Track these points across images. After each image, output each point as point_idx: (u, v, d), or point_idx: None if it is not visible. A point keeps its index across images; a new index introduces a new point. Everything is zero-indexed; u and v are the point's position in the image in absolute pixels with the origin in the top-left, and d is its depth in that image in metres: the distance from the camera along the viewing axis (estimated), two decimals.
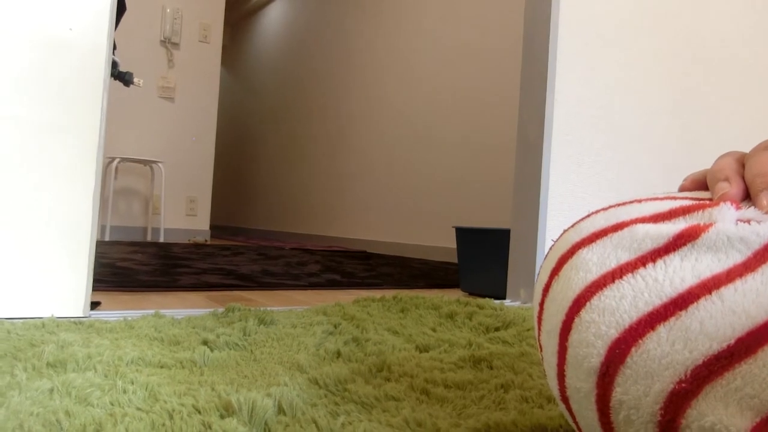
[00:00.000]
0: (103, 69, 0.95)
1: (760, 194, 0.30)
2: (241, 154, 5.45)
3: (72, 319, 0.85)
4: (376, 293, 1.22)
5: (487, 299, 1.15)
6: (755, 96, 1.76)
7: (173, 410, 0.46)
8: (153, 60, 3.58)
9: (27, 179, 0.88)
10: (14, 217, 0.88)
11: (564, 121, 1.39)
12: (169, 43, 3.63)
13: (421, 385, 0.56)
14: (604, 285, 0.31)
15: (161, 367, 0.61)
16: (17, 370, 0.56)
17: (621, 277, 0.30)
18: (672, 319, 0.28)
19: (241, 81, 5.65)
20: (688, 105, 1.62)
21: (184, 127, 3.69)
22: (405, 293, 1.15)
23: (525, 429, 0.45)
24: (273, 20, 5.11)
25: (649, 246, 0.30)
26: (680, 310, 0.28)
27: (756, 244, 0.28)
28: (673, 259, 0.29)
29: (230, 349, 0.70)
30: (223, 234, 4.92)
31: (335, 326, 0.85)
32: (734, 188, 0.32)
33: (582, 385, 0.31)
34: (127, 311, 0.99)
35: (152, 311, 0.92)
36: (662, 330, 0.28)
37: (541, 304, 0.36)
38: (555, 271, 0.35)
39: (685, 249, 0.29)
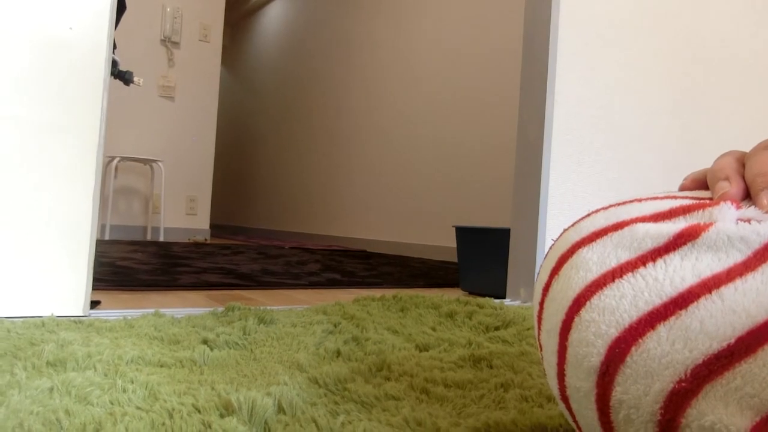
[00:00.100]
0: (103, 68, 0.95)
1: (760, 193, 0.30)
2: (241, 153, 5.45)
3: (72, 318, 0.85)
4: (376, 292, 1.22)
5: (487, 298, 1.15)
6: (755, 96, 1.76)
7: (173, 409, 0.46)
8: (153, 59, 3.58)
9: (27, 179, 0.88)
10: (14, 217, 0.88)
11: (564, 120, 1.39)
12: (169, 43, 3.63)
13: (421, 384, 0.56)
14: (604, 284, 0.31)
15: (161, 366, 0.61)
16: (17, 368, 0.56)
17: (621, 276, 0.30)
18: (672, 319, 0.28)
19: (241, 80, 5.65)
20: (688, 105, 1.62)
21: (184, 126, 3.69)
22: (405, 292, 1.15)
23: (525, 428, 0.45)
24: (273, 20, 5.11)
25: (649, 245, 0.30)
26: (680, 309, 0.28)
27: (756, 244, 0.28)
28: (674, 259, 0.29)
29: (230, 348, 0.70)
30: (223, 233, 4.92)
31: (335, 325, 0.85)
32: (734, 187, 0.32)
33: (582, 384, 0.31)
34: (127, 310, 0.99)
35: (152, 310, 0.92)
36: (662, 329, 0.28)
37: (541, 304, 0.36)
38: (555, 271, 0.35)
39: (685, 248, 0.29)
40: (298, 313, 0.95)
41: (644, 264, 0.30)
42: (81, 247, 0.92)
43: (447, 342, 0.78)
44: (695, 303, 0.27)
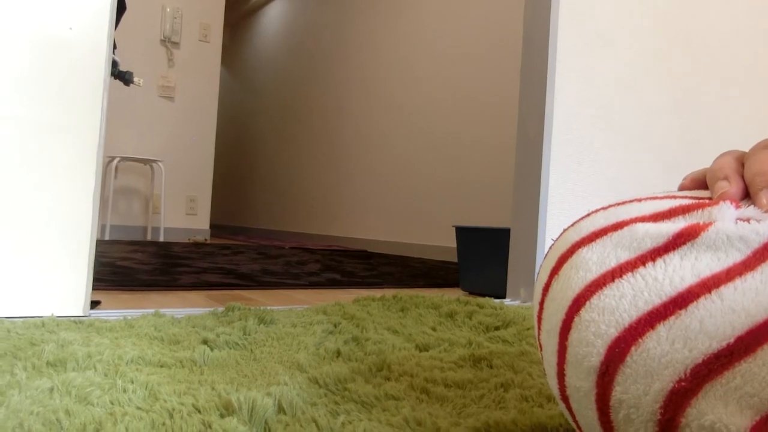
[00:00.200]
0: (103, 68, 0.95)
1: (759, 193, 0.30)
2: (241, 153, 5.45)
3: (72, 318, 0.85)
4: (376, 292, 1.22)
5: (487, 298, 1.15)
6: (755, 95, 1.76)
7: (173, 409, 0.46)
8: (153, 59, 3.58)
9: (27, 179, 0.88)
10: (14, 217, 0.88)
11: (564, 120, 1.39)
12: (169, 43, 3.63)
13: (421, 384, 0.56)
14: (604, 284, 0.31)
15: (161, 366, 0.61)
16: (17, 369, 0.56)
17: (621, 276, 0.30)
18: (672, 318, 0.28)
19: (241, 80, 5.65)
20: (688, 105, 1.62)
21: (184, 126, 3.69)
22: (405, 292, 1.15)
23: (525, 428, 0.45)
24: (273, 20, 5.11)
25: (648, 245, 0.30)
26: (680, 309, 0.28)
27: (756, 243, 0.28)
28: (673, 258, 0.29)
29: (230, 349, 0.70)
30: (223, 233, 4.92)
31: (335, 325, 0.85)
32: (734, 187, 0.32)
33: (582, 384, 0.31)
34: (127, 310, 0.99)
35: (152, 310, 0.92)
36: (662, 329, 0.28)
37: (541, 303, 0.36)
38: (555, 271, 0.35)
39: (684, 248, 0.29)
40: (298, 313, 0.95)
41: (644, 264, 0.30)
42: (81, 247, 0.92)
43: (447, 342, 0.78)
44: (695, 303, 0.27)
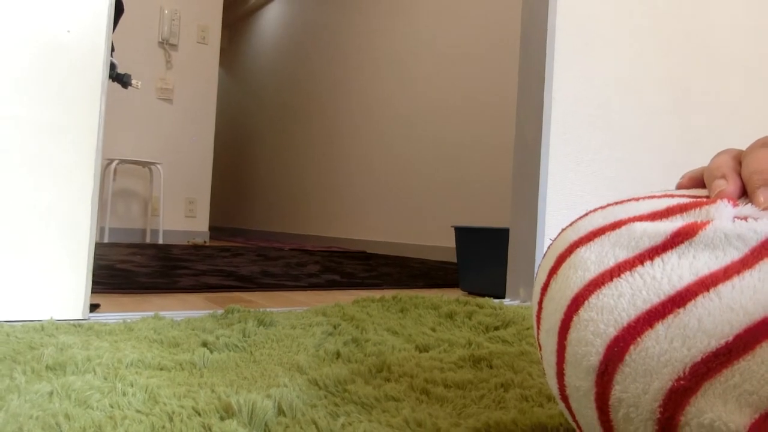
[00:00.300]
0: (101, 70, 0.95)
1: (756, 191, 0.30)
2: (240, 155, 5.45)
3: (71, 322, 0.85)
4: (376, 293, 1.22)
5: (487, 298, 1.15)
6: (756, 95, 1.76)
7: (173, 412, 0.46)
8: (151, 61, 3.57)
9: (27, 180, 0.88)
10: (13, 219, 0.87)
11: (562, 120, 1.39)
12: (167, 45, 3.63)
13: (421, 385, 0.56)
14: (603, 283, 0.31)
15: (161, 369, 0.61)
16: (16, 373, 0.56)
17: (619, 275, 0.30)
18: (670, 317, 0.28)
19: (239, 82, 5.65)
20: (688, 104, 1.62)
21: (183, 128, 3.69)
22: (404, 293, 1.15)
23: (525, 428, 0.45)
24: (271, 21, 5.11)
25: (646, 244, 0.30)
26: (678, 307, 0.28)
27: (753, 241, 0.28)
28: (671, 257, 0.29)
29: (230, 351, 0.70)
30: (223, 235, 4.92)
31: (335, 327, 0.85)
32: (731, 185, 0.32)
33: (581, 383, 0.31)
34: (126, 313, 0.99)
35: (151, 313, 0.92)
36: (660, 328, 0.28)
37: (540, 303, 0.36)
38: (553, 270, 0.35)
39: (682, 247, 0.29)
40: (297, 315, 0.95)
41: (642, 263, 0.30)
42: (80, 250, 0.92)
43: (447, 342, 0.78)
44: (693, 301, 0.27)
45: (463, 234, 1.64)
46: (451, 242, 2.83)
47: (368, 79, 3.67)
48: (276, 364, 0.65)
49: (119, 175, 3.44)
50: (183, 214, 3.70)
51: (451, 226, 2.12)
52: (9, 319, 0.86)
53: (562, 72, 1.39)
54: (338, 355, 0.69)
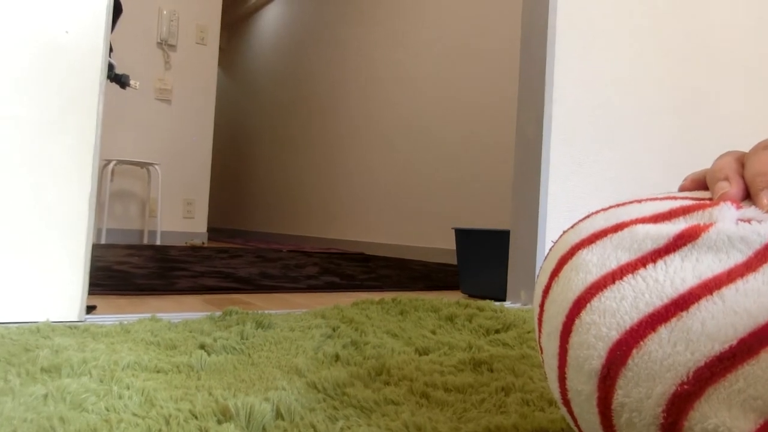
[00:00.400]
0: (99, 71, 0.94)
1: (760, 193, 0.30)
2: (239, 156, 5.44)
3: (67, 324, 0.84)
4: (375, 296, 1.21)
5: (487, 301, 1.14)
6: (756, 95, 1.76)
7: (170, 416, 0.46)
8: (149, 62, 3.57)
9: (26, 180, 0.88)
10: (9, 220, 0.87)
11: (563, 120, 1.38)
12: (165, 45, 3.62)
13: (421, 388, 0.56)
14: (605, 286, 0.30)
15: (158, 371, 0.61)
16: (11, 375, 0.55)
17: (621, 278, 0.30)
18: (673, 320, 0.27)
19: (238, 83, 5.65)
20: (688, 104, 1.62)
21: (181, 129, 3.68)
22: (404, 295, 1.15)
23: None
24: (270, 22, 5.11)
25: (649, 246, 0.30)
26: (681, 310, 0.27)
27: (757, 244, 0.28)
28: (674, 260, 0.29)
29: (228, 353, 0.70)
30: (221, 236, 4.91)
31: (334, 329, 0.85)
32: (734, 188, 0.32)
33: (583, 387, 0.30)
34: (123, 315, 0.99)
35: (149, 315, 0.91)
36: (663, 331, 0.27)
37: (542, 306, 0.35)
38: (555, 273, 0.35)
39: (685, 249, 0.29)
40: (296, 317, 0.95)
41: (644, 265, 0.30)
42: (77, 251, 0.91)
43: (447, 345, 0.77)
44: (696, 304, 0.27)
45: (464, 236, 1.64)
46: (451, 244, 2.83)
47: (367, 79, 3.67)
48: (274, 367, 0.64)
49: (117, 176, 3.44)
50: (181, 215, 3.70)
51: (452, 228, 2.12)
52: (4, 320, 0.86)
53: (562, 72, 1.38)
54: (337, 357, 0.69)
